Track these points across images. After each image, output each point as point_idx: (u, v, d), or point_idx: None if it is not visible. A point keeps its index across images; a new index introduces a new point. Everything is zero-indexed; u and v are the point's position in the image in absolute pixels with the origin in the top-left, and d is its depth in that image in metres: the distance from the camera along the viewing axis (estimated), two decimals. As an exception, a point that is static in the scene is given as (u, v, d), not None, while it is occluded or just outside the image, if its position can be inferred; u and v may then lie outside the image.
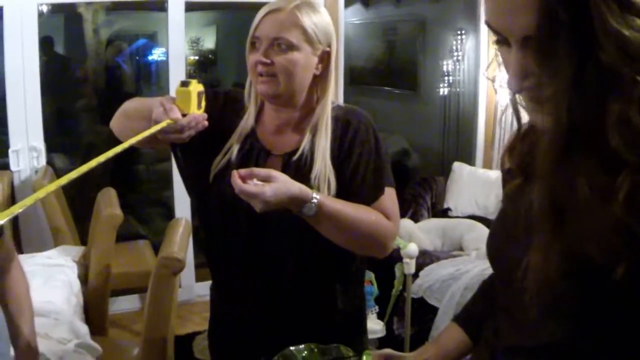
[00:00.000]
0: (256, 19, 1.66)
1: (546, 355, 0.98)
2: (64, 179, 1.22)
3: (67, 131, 6.05)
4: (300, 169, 1.68)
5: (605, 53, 0.73)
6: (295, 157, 1.70)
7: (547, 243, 0.86)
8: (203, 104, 1.67)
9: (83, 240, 3.97)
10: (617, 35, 0.72)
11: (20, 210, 1.09)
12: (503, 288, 1.13)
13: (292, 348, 1.39)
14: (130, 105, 1.79)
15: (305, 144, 1.70)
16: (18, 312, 1.80)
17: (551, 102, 0.78)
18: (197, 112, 1.62)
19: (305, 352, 1.39)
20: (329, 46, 1.72)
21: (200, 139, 1.65)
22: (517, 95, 0.93)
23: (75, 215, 4.15)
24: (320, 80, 1.73)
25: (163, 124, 1.52)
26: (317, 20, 1.68)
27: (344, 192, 1.67)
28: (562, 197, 0.83)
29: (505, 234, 1.11)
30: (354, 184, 1.69)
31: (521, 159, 1.06)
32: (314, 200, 1.55)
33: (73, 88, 6.33)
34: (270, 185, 1.49)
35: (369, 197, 1.70)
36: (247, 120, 1.75)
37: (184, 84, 1.63)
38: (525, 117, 0.98)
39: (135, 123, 1.67)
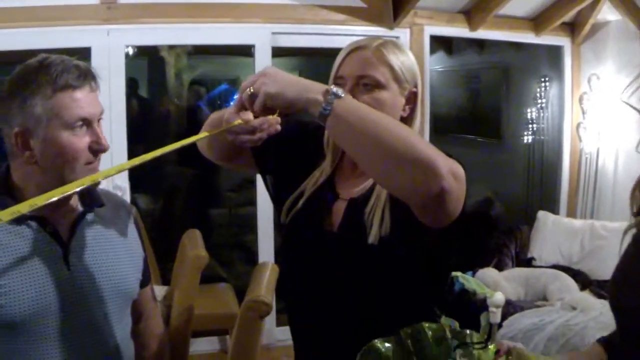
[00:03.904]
0: (339, 58, 1.59)
1: None
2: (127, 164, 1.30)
3: (150, 172, 6.14)
4: (357, 208, 1.59)
5: None
6: (360, 200, 1.61)
7: None
8: None
9: (164, 280, 4.05)
10: None
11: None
12: (626, 339, 1.09)
13: (425, 324, 1.30)
14: (212, 117, 1.73)
15: (370, 184, 1.61)
16: None
17: None
18: (270, 115, 1.54)
19: (436, 329, 1.28)
20: (416, 86, 1.63)
21: (278, 163, 1.63)
22: None
23: (157, 255, 4.24)
24: (406, 123, 1.54)
25: (234, 123, 1.48)
26: (404, 58, 1.60)
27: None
28: None
29: (631, 281, 1.07)
30: None
31: None
32: (333, 89, 1.33)
33: (156, 130, 6.50)
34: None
35: None
36: (325, 165, 1.69)
37: None
38: None
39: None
